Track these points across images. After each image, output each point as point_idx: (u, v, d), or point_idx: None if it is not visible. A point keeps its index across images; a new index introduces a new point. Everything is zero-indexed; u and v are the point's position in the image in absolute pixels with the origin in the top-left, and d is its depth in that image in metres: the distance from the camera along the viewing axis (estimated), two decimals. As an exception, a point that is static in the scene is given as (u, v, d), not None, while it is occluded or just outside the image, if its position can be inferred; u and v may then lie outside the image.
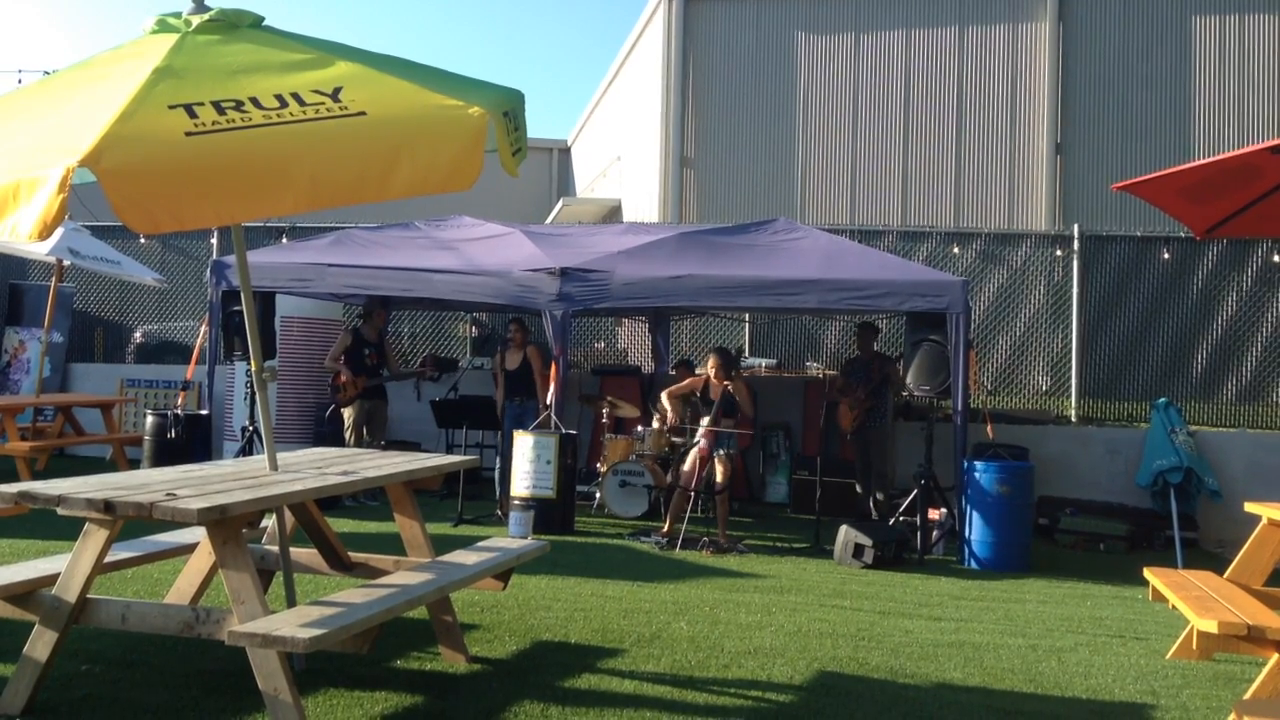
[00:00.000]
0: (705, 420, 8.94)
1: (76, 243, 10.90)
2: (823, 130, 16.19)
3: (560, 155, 27.00)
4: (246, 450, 9.60)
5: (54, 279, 11.54)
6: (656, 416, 10.21)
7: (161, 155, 3.24)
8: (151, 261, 13.24)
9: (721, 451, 8.81)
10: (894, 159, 16.08)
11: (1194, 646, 5.64)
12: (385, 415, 10.45)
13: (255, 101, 3.44)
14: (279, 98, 3.48)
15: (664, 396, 9.50)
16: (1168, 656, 5.76)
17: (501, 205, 18.64)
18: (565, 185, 26.21)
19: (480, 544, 5.36)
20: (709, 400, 9.04)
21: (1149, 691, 5.12)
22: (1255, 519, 5.62)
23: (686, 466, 8.97)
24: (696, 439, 8.96)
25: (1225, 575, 5.68)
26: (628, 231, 11.15)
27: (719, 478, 8.79)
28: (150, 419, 10.22)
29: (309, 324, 11.15)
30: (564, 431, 9.14)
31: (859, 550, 8.11)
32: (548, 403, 9.45)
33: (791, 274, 9.19)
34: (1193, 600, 5.13)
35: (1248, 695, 4.92)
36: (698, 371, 10.22)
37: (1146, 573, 5.90)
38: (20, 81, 18.82)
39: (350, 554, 5.21)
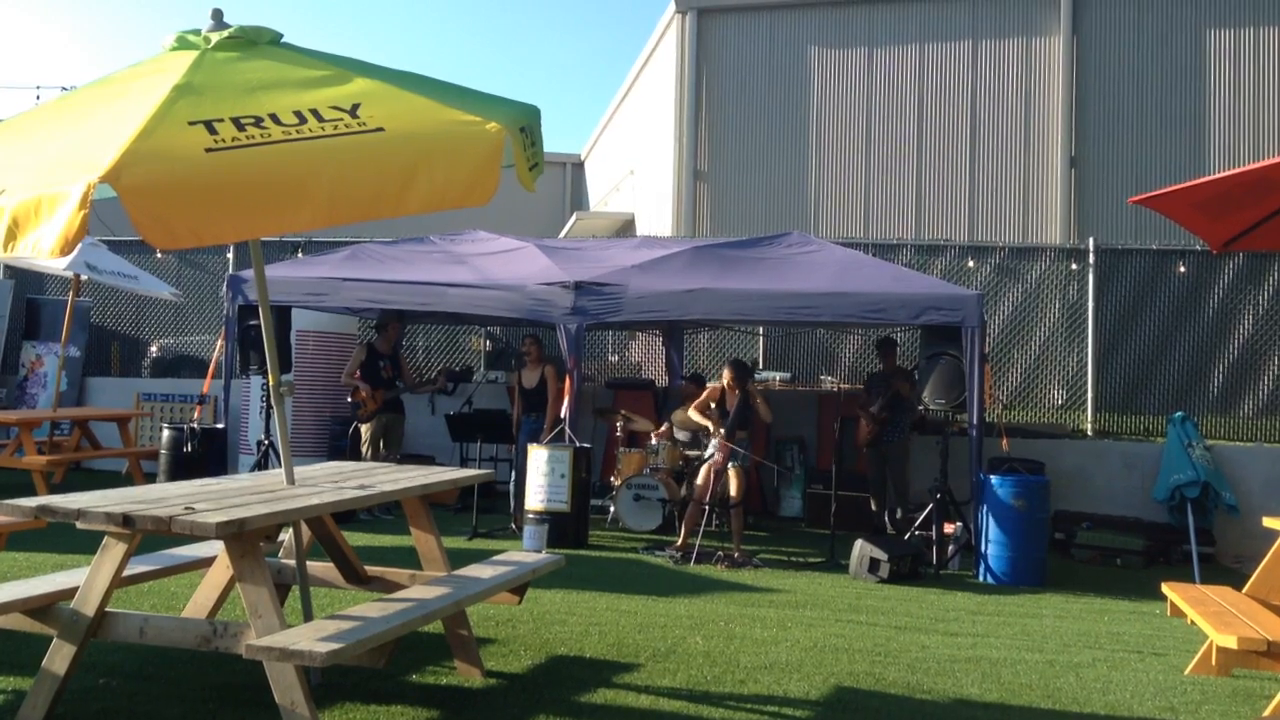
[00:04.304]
0: (713, 428, 8.95)
1: (94, 258, 10.96)
2: (836, 144, 16.21)
3: (574, 169, 27.07)
4: (262, 464, 9.63)
5: (71, 293, 11.61)
6: (676, 427, 10.22)
7: (181, 171, 3.26)
8: (168, 276, 13.31)
9: (735, 464, 8.79)
10: (908, 173, 16.07)
11: (1213, 662, 5.61)
12: (402, 429, 10.46)
13: (274, 118, 3.47)
14: (298, 114, 3.50)
15: (694, 413, 9.21)
16: (1186, 672, 5.72)
17: (515, 219, 18.68)
18: (579, 199, 26.27)
19: (495, 558, 5.36)
20: (725, 412, 9.02)
21: (1168, 708, 5.09)
22: (1273, 534, 5.58)
23: (700, 479, 8.96)
24: (711, 452, 8.95)
25: (1244, 590, 5.65)
26: (641, 245, 11.17)
27: (733, 491, 8.77)
28: (166, 433, 10.26)
29: (324, 338, 11.19)
30: (578, 445, 9.14)
31: (874, 565, 8.09)
32: (561, 416, 9.46)
33: (805, 287, 9.19)
34: (1211, 615, 5.10)
35: (1267, 712, 4.89)
36: (710, 384, 10.19)
37: (1164, 588, 5.88)
38: (39, 98, 18.99)
39: (366, 568, 5.22)
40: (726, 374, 9.08)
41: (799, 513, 11.22)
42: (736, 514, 8.87)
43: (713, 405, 9.16)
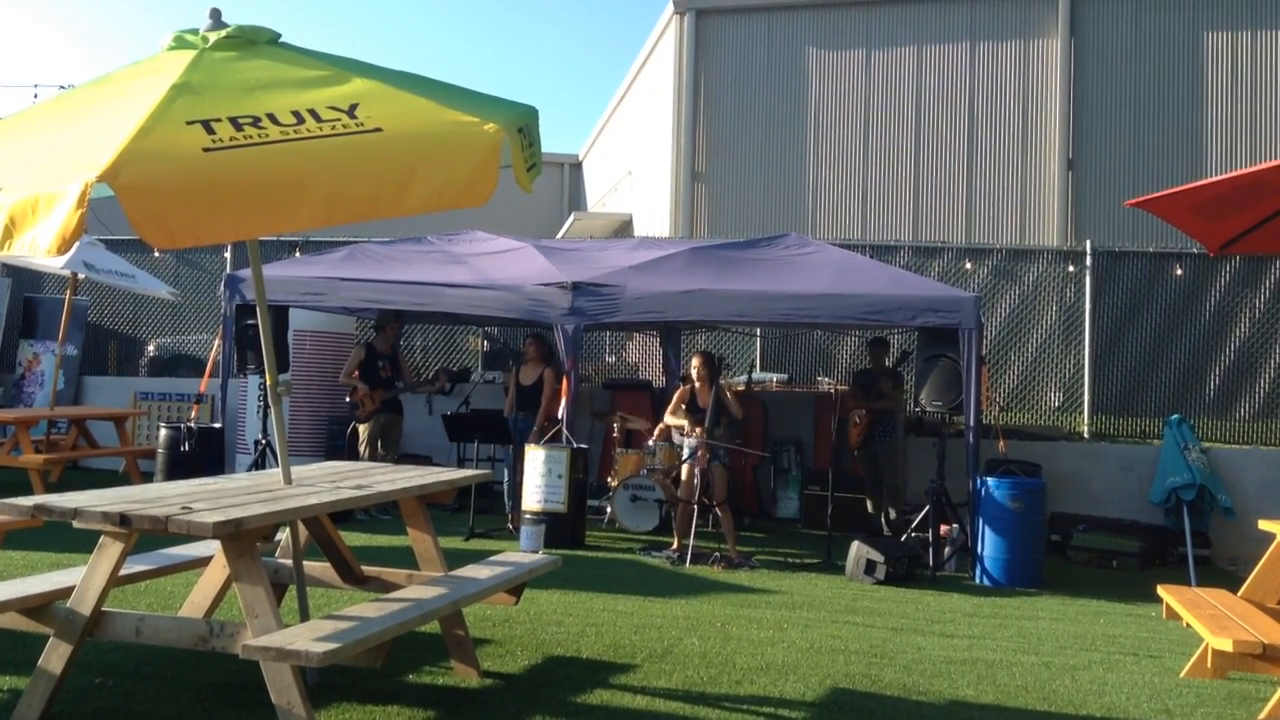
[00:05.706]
0: (689, 428, 8.93)
1: (91, 256, 10.95)
2: (834, 145, 16.21)
3: (572, 170, 27.06)
4: (259, 464, 9.62)
5: (68, 292, 11.60)
6: (661, 433, 10.18)
7: (179, 171, 3.26)
8: (165, 275, 13.30)
9: (715, 461, 8.78)
10: (905, 174, 16.08)
11: (1208, 665, 5.60)
12: (400, 429, 10.45)
13: (272, 118, 3.46)
14: (296, 114, 3.50)
15: (669, 418, 9.35)
16: (1182, 675, 5.73)
17: (513, 219, 18.65)
18: (577, 200, 26.27)
19: (492, 558, 5.36)
20: (698, 409, 9.01)
21: (1163, 710, 5.10)
22: (1269, 536, 5.59)
23: (684, 479, 8.96)
24: (688, 453, 8.93)
25: (1239, 593, 5.66)
26: (639, 246, 11.17)
27: (717, 490, 8.77)
28: (164, 432, 10.25)
29: (322, 338, 11.17)
30: (575, 446, 9.14)
31: (871, 566, 8.09)
32: (557, 416, 9.46)
33: (803, 289, 9.19)
34: (1207, 618, 5.10)
35: (1262, 715, 4.90)
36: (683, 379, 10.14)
37: (1160, 590, 5.88)
38: (36, 97, 18.98)
39: (363, 568, 5.22)
40: (696, 364, 9.08)
41: (796, 514, 11.22)
42: (724, 513, 8.86)
43: (684, 406, 9.16)
